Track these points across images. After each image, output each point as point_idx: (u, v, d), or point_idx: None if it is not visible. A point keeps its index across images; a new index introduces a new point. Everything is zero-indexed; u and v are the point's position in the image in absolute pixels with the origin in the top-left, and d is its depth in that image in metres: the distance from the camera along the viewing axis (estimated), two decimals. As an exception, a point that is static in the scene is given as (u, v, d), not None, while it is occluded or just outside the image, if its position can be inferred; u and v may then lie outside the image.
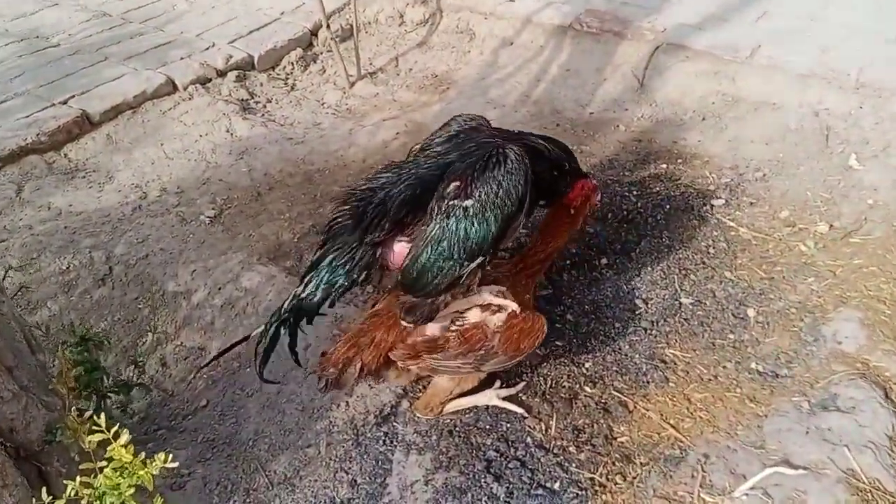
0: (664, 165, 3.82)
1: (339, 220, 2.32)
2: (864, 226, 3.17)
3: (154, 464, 1.83)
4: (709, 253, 3.22)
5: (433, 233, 2.21)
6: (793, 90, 4.05)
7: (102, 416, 1.80)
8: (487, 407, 2.64)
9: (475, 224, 2.19)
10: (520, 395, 2.68)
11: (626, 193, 3.62)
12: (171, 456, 1.81)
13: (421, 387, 2.73)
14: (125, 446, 1.82)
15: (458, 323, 2.43)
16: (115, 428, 1.81)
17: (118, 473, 1.85)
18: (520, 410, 2.61)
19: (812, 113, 3.91)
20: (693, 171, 3.75)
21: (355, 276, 2.30)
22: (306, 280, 2.34)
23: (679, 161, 3.85)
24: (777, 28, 4.52)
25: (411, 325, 2.41)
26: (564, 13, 4.99)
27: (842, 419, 2.36)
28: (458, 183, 2.20)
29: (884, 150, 3.56)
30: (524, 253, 2.68)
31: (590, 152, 3.99)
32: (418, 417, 2.64)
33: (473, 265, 2.27)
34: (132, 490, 1.84)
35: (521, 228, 2.37)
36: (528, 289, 2.58)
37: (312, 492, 2.45)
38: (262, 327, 2.40)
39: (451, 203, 2.19)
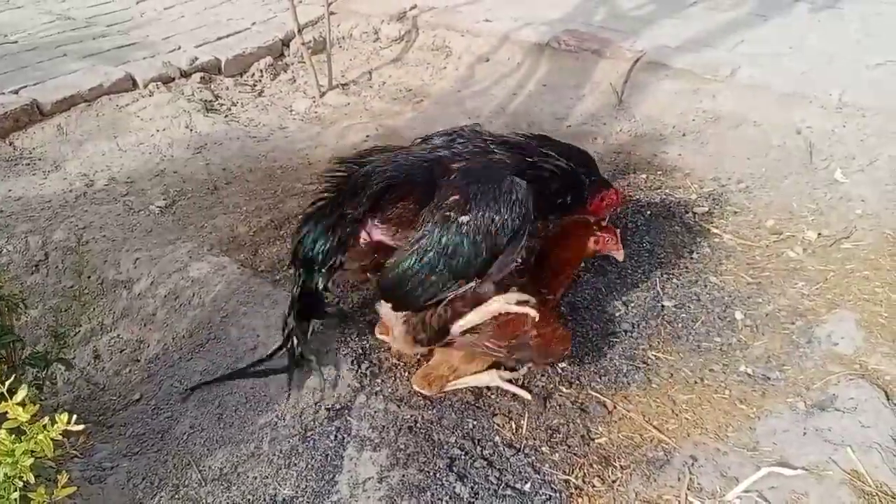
0: (644, 176, 3.67)
1: (325, 192, 2.29)
2: (855, 233, 3.02)
3: (56, 426, 1.54)
4: (692, 258, 3.04)
5: (422, 240, 2.09)
6: (774, 109, 3.96)
7: (-4, 365, 1.52)
8: (451, 403, 2.38)
9: (464, 244, 2.06)
10: (489, 391, 2.44)
11: (605, 200, 3.44)
12: (74, 417, 1.53)
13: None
14: (22, 405, 1.53)
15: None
16: (10, 380, 1.53)
17: (14, 438, 1.56)
18: (523, 393, 2.40)
19: (794, 131, 3.81)
20: (674, 182, 3.60)
21: (333, 254, 2.21)
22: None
23: (659, 172, 3.70)
24: (757, 53, 4.46)
25: (422, 349, 2.35)
26: (542, 32, 4.90)
27: (842, 419, 2.15)
28: (457, 197, 2.09)
29: (870, 165, 3.45)
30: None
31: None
32: (413, 390, 2.43)
33: (456, 289, 2.14)
34: (30, 459, 1.54)
35: (511, 265, 2.19)
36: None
37: (251, 489, 2.15)
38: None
39: (447, 214, 2.07)
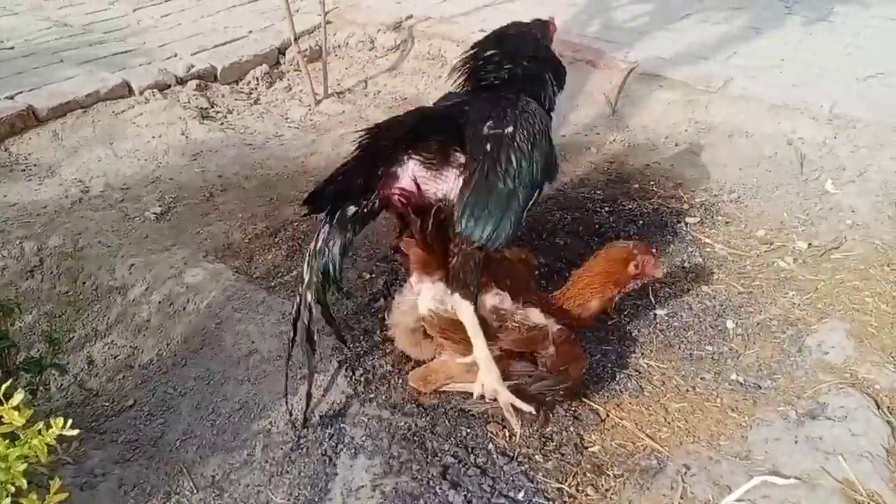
0: (636, 185, 3.70)
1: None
2: (845, 243, 3.05)
3: (50, 431, 1.54)
4: (684, 267, 3.06)
5: (480, 169, 2.15)
6: (766, 120, 3.99)
7: (-9, 369, 1.53)
8: (445, 411, 2.39)
9: (521, 150, 2.18)
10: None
11: (598, 209, 3.47)
12: (69, 422, 1.53)
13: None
14: (18, 409, 1.54)
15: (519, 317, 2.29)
16: (6, 384, 1.53)
17: (7, 443, 1.56)
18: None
19: (786, 142, 3.84)
20: (666, 192, 3.62)
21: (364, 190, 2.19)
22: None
23: (652, 182, 3.72)
24: (749, 65, 4.50)
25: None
26: (538, 43, 4.92)
27: (833, 428, 2.17)
28: (491, 122, 2.23)
29: (860, 176, 3.48)
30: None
31: (561, 171, 3.83)
32: (408, 388, 2.45)
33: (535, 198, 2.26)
34: (23, 464, 1.55)
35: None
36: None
37: (243, 496, 2.15)
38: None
39: (492, 132, 2.19)
